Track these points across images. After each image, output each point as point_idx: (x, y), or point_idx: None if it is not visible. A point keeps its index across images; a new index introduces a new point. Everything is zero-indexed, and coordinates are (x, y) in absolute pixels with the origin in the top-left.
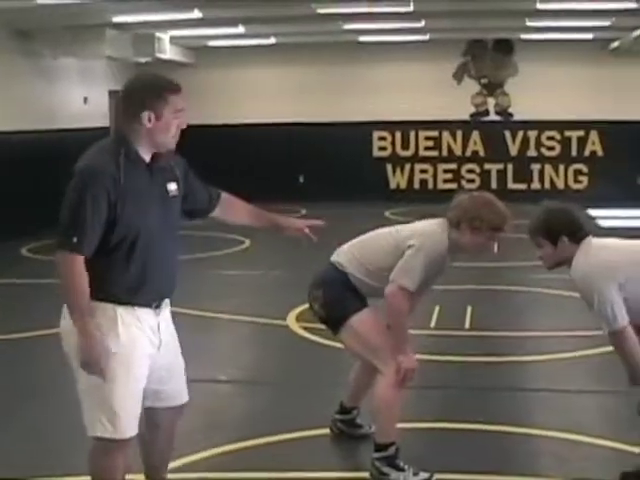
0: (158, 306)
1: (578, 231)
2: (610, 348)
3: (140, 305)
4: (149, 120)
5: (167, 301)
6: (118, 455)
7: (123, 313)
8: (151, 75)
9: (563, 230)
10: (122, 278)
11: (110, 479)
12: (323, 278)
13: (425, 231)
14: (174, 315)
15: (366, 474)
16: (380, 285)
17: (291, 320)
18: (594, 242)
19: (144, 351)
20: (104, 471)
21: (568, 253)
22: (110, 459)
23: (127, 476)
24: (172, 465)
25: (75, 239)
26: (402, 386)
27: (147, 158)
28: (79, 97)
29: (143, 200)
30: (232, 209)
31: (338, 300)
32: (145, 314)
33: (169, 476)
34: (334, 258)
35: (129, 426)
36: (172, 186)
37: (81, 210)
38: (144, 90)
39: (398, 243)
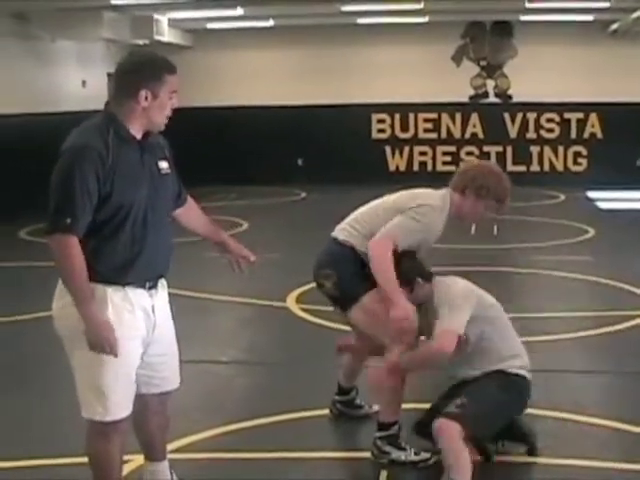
0: (153, 287)
1: (427, 271)
2: (611, 328)
3: (131, 285)
4: (146, 99)
5: (164, 283)
6: (113, 436)
7: (112, 294)
8: (149, 53)
9: (415, 274)
10: (111, 257)
11: (107, 459)
12: (332, 256)
13: (428, 196)
14: (173, 297)
15: (367, 454)
16: None
17: (291, 302)
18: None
19: (134, 333)
20: (101, 452)
21: (426, 290)
22: (106, 440)
23: (127, 456)
24: (173, 445)
25: (68, 220)
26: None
27: (138, 136)
28: (77, 80)
29: (134, 177)
30: (192, 216)
31: (351, 278)
32: (137, 295)
33: (170, 456)
34: (336, 234)
35: (120, 408)
36: (163, 164)
37: (70, 190)
38: (142, 68)
39: (398, 206)
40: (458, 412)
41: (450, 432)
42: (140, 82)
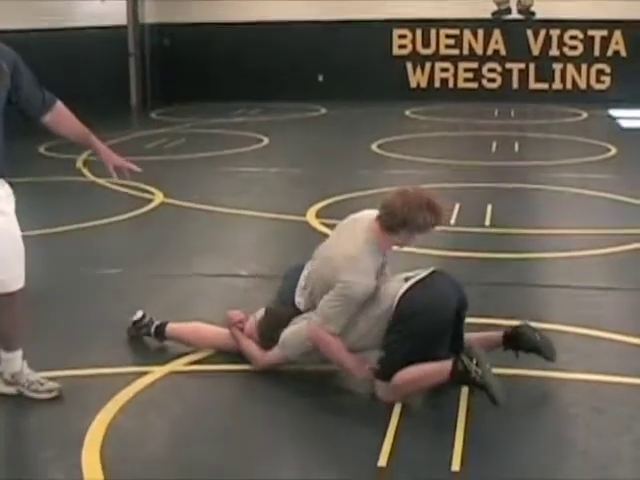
0: None
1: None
2: (632, 246)
3: None
4: None
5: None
6: None
7: None
8: None
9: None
10: None
11: None
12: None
13: (354, 263)
14: (193, 211)
15: None
16: None
17: (310, 216)
18: None
19: None
20: None
21: None
22: None
23: (146, 368)
24: (194, 357)
25: None
26: None
27: None
28: None
29: None
30: (61, 122)
31: None
32: None
33: (192, 368)
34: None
35: None
36: None
37: None
38: None
39: (327, 282)
40: (378, 369)
41: (388, 391)
42: None
